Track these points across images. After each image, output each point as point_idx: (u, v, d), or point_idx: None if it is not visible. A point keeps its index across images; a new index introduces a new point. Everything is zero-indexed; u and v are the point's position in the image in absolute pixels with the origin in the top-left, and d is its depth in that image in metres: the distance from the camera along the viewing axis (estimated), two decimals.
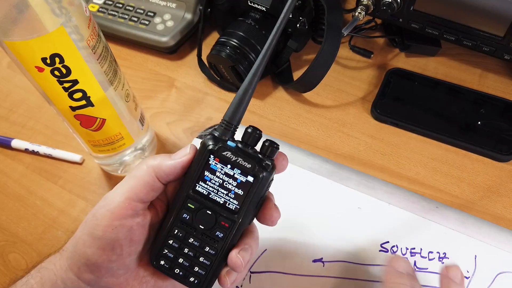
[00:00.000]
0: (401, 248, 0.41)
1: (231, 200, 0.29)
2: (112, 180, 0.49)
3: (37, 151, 0.51)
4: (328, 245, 0.42)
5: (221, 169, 0.28)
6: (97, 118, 0.39)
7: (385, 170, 0.47)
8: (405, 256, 0.41)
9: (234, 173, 0.28)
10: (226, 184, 0.29)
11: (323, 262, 0.41)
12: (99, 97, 0.38)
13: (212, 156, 0.28)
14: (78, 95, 0.36)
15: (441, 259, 0.40)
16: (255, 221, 0.31)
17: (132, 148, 0.46)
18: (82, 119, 0.39)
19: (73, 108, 0.37)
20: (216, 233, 0.29)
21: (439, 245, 0.41)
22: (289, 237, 0.43)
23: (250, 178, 0.28)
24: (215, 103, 0.54)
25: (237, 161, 0.28)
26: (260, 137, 0.29)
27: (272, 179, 0.29)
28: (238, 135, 0.29)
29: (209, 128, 0.51)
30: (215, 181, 0.29)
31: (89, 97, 0.37)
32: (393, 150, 0.48)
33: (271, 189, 0.31)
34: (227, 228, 0.29)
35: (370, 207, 0.44)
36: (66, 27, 0.32)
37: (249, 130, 0.29)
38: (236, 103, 0.29)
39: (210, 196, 0.29)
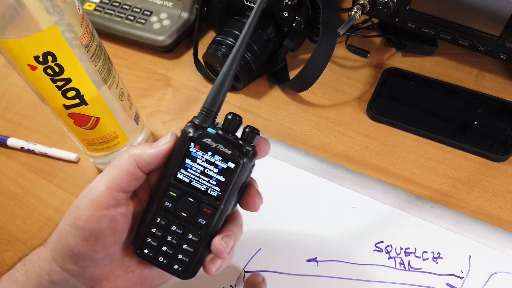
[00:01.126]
0: (396, 248, 0.41)
1: (213, 186, 0.29)
2: None
3: (33, 150, 0.51)
4: (322, 244, 0.42)
5: (202, 156, 0.28)
6: (91, 116, 0.39)
7: (380, 170, 0.47)
8: (399, 255, 0.41)
9: (215, 160, 0.28)
10: (207, 171, 0.29)
11: (317, 261, 0.41)
12: (93, 95, 0.38)
13: (192, 143, 0.28)
14: (71, 93, 0.36)
15: (435, 259, 0.40)
16: (242, 211, 0.31)
17: (127, 147, 0.46)
18: (76, 117, 0.39)
19: (67, 107, 0.37)
20: (199, 220, 0.29)
21: (434, 245, 0.41)
22: (283, 236, 0.43)
23: (231, 164, 0.28)
24: None
25: (218, 147, 0.28)
26: (240, 123, 0.29)
27: (254, 164, 0.29)
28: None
29: None
30: (196, 168, 0.29)
31: (83, 95, 0.37)
32: (388, 150, 0.48)
33: (256, 177, 0.31)
34: (210, 215, 0.29)
35: (364, 207, 0.44)
36: (59, 25, 0.32)
37: (229, 116, 0.29)
38: (215, 90, 0.29)
39: (191, 183, 0.29)
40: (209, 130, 0.28)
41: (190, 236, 0.30)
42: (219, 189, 0.29)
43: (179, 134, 0.30)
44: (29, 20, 0.31)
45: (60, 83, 0.35)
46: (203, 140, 0.28)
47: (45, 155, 0.51)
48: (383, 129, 0.50)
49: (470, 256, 0.40)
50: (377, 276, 0.40)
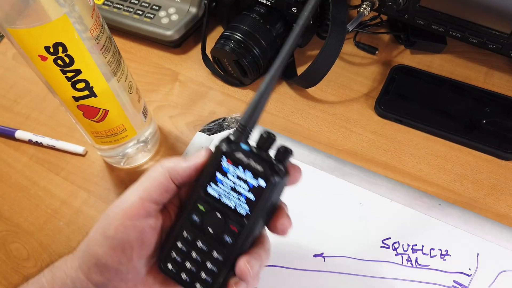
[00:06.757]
0: (403, 245, 0.41)
1: (242, 204, 0.28)
2: (115, 172, 0.49)
3: (41, 142, 0.51)
4: (329, 240, 0.42)
5: (233, 172, 0.28)
6: (99, 109, 0.39)
7: (388, 167, 0.46)
8: (406, 252, 0.41)
9: (246, 176, 0.28)
10: (237, 187, 0.28)
11: (323, 257, 0.41)
12: (102, 87, 0.38)
13: (224, 157, 0.28)
14: (81, 85, 0.36)
15: (443, 256, 0.40)
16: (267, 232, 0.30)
17: (134, 141, 0.46)
18: (85, 109, 0.39)
19: (76, 99, 0.37)
20: (225, 238, 0.29)
21: (441, 242, 0.41)
22: (289, 232, 0.42)
23: (262, 183, 0.27)
24: (218, 97, 0.54)
25: (250, 164, 0.27)
26: (274, 142, 0.28)
27: (285, 185, 0.28)
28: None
29: (212, 122, 0.51)
30: (227, 184, 0.28)
31: (92, 87, 0.37)
32: (396, 147, 0.48)
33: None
34: (236, 234, 0.28)
35: (372, 203, 0.43)
36: (70, 16, 0.32)
37: (264, 134, 0.28)
38: (252, 107, 0.29)
39: (221, 199, 0.29)
40: (243, 146, 0.28)
41: (215, 254, 0.29)
42: (248, 207, 0.28)
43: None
44: (40, 10, 0.31)
45: (70, 74, 0.35)
46: (236, 155, 0.28)
47: (52, 148, 0.51)
48: (391, 126, 0.50)
49: (478, 253, 0.40)
50: (384, 272, 0.40)
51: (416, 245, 0.41)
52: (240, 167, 0.28)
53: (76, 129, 0.50)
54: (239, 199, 0.28)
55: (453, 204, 0.43)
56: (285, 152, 0.28)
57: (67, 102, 0.38)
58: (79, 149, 0.50)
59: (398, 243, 0.41)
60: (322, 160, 0.47)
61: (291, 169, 0.29)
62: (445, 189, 0.45)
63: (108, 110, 0.40)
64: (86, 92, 0.37)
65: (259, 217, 0.28)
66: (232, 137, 0.28)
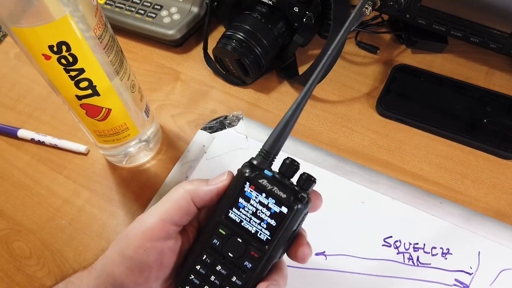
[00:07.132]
0: (404, 243, 0.41)
1: (263, 230, 0.28)
2: (117, 171, 0.49)
3: (43, 141, 0.51)
4: (331, 238, 0.42)
5: (256, 197, 0.28)
6: (102, 108, 0.39)
7: (389, 166, 0.47)
8: (408, 251, 0.41)
9: (268, 202, 0.28)
10: (259, 213, 0.28)
11: (325, 255, 0.41)
12: (105, 86, 0.38)
13: (248, 183, 0.28)
14: (84, 84, 0.36)
15: (444, 255, 0.40)
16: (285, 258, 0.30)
17: (136, 140, 0.46)
18: (88, 108, 0.39)
19: (79, 97, 0.38)
20: (245, 263, 0.29)
21: (443, 240, 0.41)
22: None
23: (284, 209, 0.28)
24: (220, 96, 0.54)
25: (273, 190, 0.28)
26: (297, 169, 0.29)
27: (307, 213, 0.29)
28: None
29: (213, 120, 0.51)
30: (249, 209, 0.28)
31: (95, 86, 0.37)
32: (397, 146, 0.48)
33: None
34: (256, 259, 0.28)
35: (373, 202, 0.44)
36: (73, 15, 0.32)
37: (287, 161, 0.28)
38: (277, 134, 0.29)
39: (242, 224, 0.29)
40: (266, 172, 0.28)
41: (234, 279, 0.29)
42: (269, 233, 0.28)
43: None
44: (44, 9, 0.31)
45: (73, 73, 0.35)
46: (259, 181, 0.28)
47: (55, 147, 0.51)
48: (392, 125, 0.50)
49: (479, 252, 0.40)
50: (386, 271, 0.40)
51: (417, 243, 0.41)
52: (263, 194, 0.28)
53: (79, 128, 0.50)
54: (260, 224, 0.28)
55: (455, 203, 0.43)
56: (308, 180, 0.28)
57: (70, 101, 0.38)
58: (81, 148, 0.50)
59: (400, 242, 0.41)
60: (324, 159, 0.47)
61: (313, 196, 0.29)
62: (446, 187, 0.45)
63: (111, 109, 0.40)
64: (89, 91, 0.37)
65: (280, 244, 0.28)
66: (254, 162, 0.29)
